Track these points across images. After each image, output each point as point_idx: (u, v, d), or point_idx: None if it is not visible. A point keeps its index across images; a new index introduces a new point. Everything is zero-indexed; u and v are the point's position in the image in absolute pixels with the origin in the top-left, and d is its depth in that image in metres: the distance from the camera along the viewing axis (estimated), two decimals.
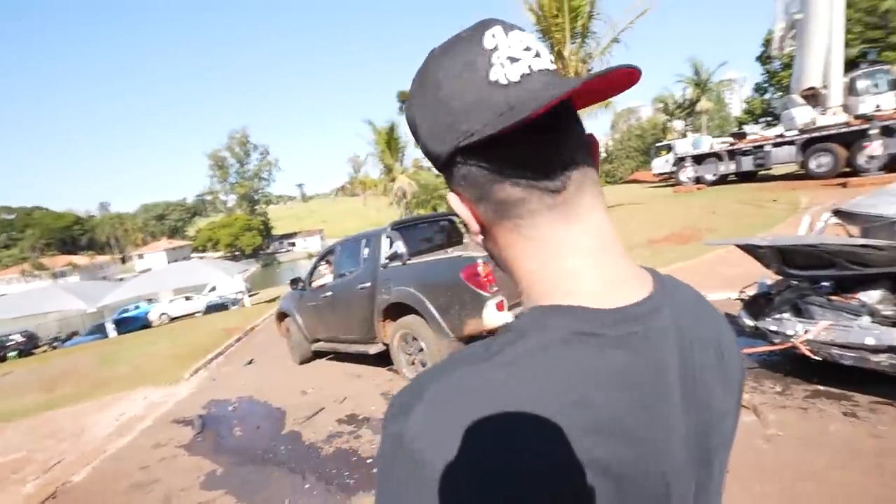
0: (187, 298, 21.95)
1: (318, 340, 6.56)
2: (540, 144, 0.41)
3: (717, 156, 17.76)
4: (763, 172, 17.72)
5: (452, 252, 5.15)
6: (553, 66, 0.44)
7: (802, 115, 16.13)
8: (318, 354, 6.82)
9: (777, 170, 17.51)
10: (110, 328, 16.19)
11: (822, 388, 3.44)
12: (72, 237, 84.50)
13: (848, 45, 21.56)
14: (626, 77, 0.42)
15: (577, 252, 0.43)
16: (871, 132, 13.53)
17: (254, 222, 66.79)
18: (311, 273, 6.64)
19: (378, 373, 5.91)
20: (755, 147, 16.74)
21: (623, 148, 36.82)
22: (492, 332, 4.17)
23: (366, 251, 5.59)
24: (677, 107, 34.04)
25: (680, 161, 19.04)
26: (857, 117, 14.92)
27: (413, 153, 36.97)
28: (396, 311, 5.11)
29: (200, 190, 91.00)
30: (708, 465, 0.47)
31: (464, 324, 4.46)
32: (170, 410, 6.04)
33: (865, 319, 3.19)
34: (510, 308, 4.38)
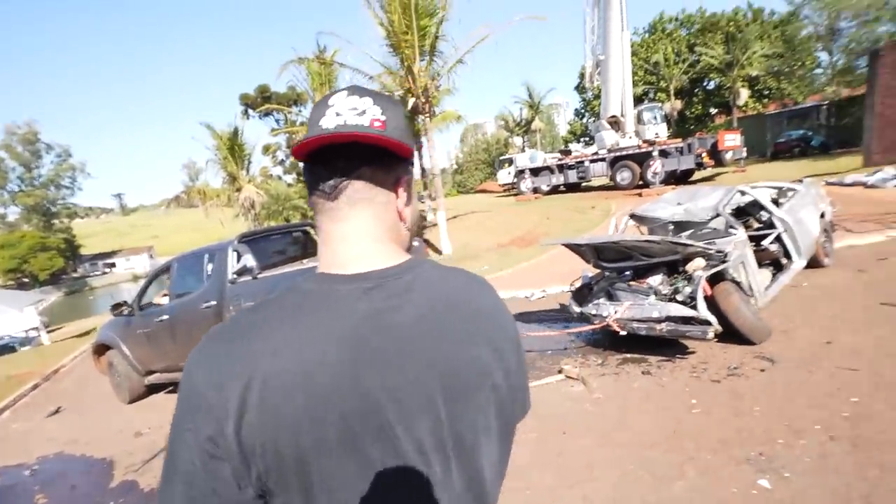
0: None
1: (152, 372, 5.66)
2: (322, 171, 0.61)
3: (549, 169, 20.61)
4: (585, 184, 21.10)
5: (308, 263, 5.01)
6: (367, 124, 0.60)
7: (609, 137, 19.74)
8: (153, 388, 5.89)
9: (595, 182, 21.04)
10: None
11: (628, 355, 4.30)
12: None
13: (635, 84, 27.11)
14: (363, 136, 0.59)
15: (338, 240, 0.63)
16: (653, 154, 17.22)
17: (51, 240, 51.97)
18: (141, 295, 5.81)
19: None
20: (577, 162, 19.91)
21: (472, 160, 40.03)
22: None
23: (210, 267, 5.10)
24: (516, 125, 38.56)
25: (520, 173, 21.57)
26: (644, 142, 18.85)
27: (261, 160, 34.31)
28: None
29: None
30: (456, 399, 0.58)
31: None
32: None
33: (652, 298, 4.11)
34: None
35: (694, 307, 3.71)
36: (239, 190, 16.52)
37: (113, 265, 63.38)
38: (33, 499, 3.98)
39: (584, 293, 4.94)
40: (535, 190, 20.82)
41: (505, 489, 2.21)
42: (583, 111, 39.79)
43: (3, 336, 16.61)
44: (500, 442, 0.65)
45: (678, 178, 18.10)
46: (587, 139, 22.79)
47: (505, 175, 24.88)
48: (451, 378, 0.58)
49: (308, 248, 5.99)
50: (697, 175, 18.84)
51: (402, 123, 0.64)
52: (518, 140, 37.34)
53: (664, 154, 17.11)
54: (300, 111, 28.72)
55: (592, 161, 19.22)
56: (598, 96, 23.65)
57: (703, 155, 16.92)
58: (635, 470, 2.68)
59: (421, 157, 16.49)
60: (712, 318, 3.61)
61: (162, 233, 79.20)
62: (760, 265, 4.97)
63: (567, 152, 23.00)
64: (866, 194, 9.58)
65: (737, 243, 4.17)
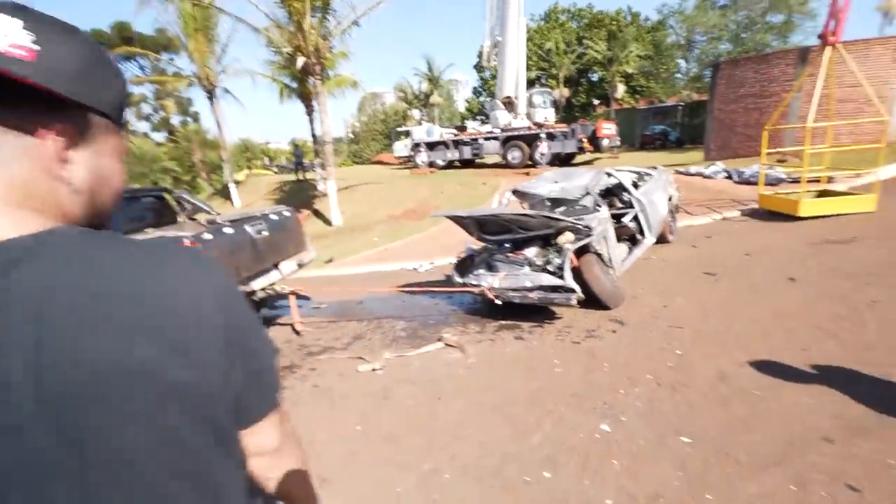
0: None
1: None
2: None
3: (445, 144, 20.79)
4: (479, 161, 21.75)
5: (167, 231, 4.70)
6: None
7: (502, 117, 20.48)
8: None
9: (488, 159, 21.80)
10: None
11: (504, 322, 4.60)
12: None
13: (529, 68, 28.44)
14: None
15: None
16: (541, 136, 18.32)
17: None
18: None
19: None
20: (472, 139, 20.38)
21: (369, 130, 38.79)
22: None
23: None
24: (415, 97, 38.08)
25: (416, 147, 21.45)
26: (534, 124, 19.94)
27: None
28: None
29: None
30: (81, 409, 0.45)
31: None
32: None
33: (526, 269, 4.41)
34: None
35: (562, 277, 4.07)
36: None
37: None
38: None
39: (466, 264, 5.13)
40: (431, 164, 20.93)
41: (376, 457, 2.20)
42: (480, 90, 40.78)
43: None
44: (218, 443, 0.54)
45: (562, 161, 19.57)
46: (483, 117, 23.40)
47: (401, 147, 24.54)
48: (66, 383, 0.44)
49: (164, 215, 5.45)
50: (578, 158, 20.60)
51: (76, 61, 0.51)
52: (416, 113, 37.02)
53: (551, 137, 18.34)
54: (171, 59, 25.04)
55: (486, 139, 19.85)
56: (494, 76, 24.33)
57: (584, 141, 18.50)
58: (499, 426, 2.89)
59: (312, 123, 15.49)
60: (576, 287, 4.01)
61: None
62: (619, 240, 5.64)
63: (463, 129, 23.39)
64: (703, 183, 11.34)
65: (600, 220, 4.65)
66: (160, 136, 31.13)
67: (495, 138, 19.62)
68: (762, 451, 2.34)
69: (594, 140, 18.80)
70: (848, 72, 9.15)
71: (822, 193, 7.69)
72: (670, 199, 6.59)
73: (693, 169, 12.80)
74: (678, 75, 34.38)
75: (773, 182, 9.47)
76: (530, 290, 4.21)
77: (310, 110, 15.52)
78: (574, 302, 4.03)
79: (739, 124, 15.33)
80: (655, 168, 7.07)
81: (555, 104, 29.46)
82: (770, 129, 8.02)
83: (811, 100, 7.38)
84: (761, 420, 2.59)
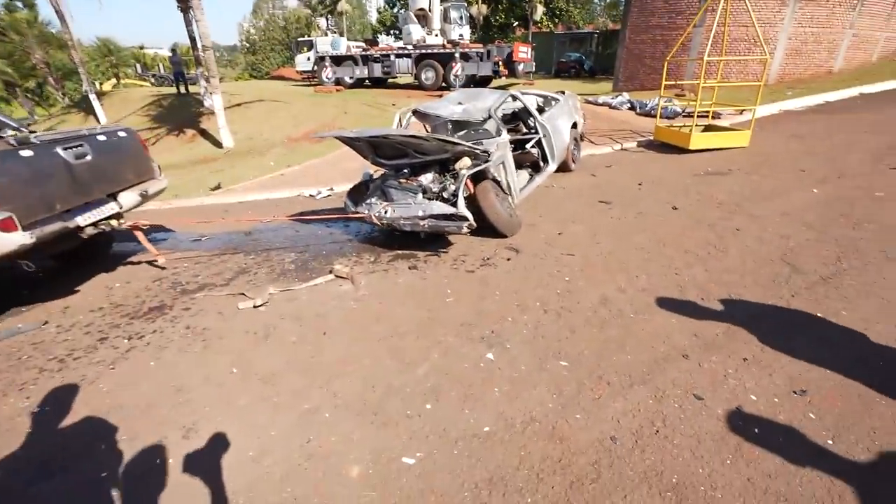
0: None
1: None
2: None
3: (353, 59, 18.94)
4: (391, 80, 20.29)
5: (66, 135, 3.92)
6: None
7: (416, 31, 18.97)
8: None
9: (401, 79, 20.44)
10: None
11: (400, 252, 4.40)
12: None
13: None
14: None
15: None
16: (455, 56, 17.34)
17: None
18: None
19: None
20: (383, 55, 18.74)
21: (267, 39, 34.07)
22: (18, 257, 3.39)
23: None
24: (319, 3, 33.65)
25: (321, 61, 19.31)
26: (448, 42, 18.76)
27: None
28: None
29: None
30: None
31: None
32: None
33: (419, 196, 4.16)
34: (29, 227, 3.29)
35: (455, 204, 3.88)
36: None
37: None
38: None
39: (361, 191, 4.75)
40: (338, 81, 19.10)
41: (252, 400, 1.90)
42: (395, 0, 37.22)
43: None
44: None
45: (477, 83, 18.95)
46: (397, 32, 21.48)
47: (304, 61, 21.92)
48: None
49: None
50: (494, 83, 20.08)
51: None
52: (322, 22, 32.96)
53: (465, 57, 17.46)
54: None
55: (398, 56, 18.40)
56: None
57: (500, 64, 17.90)
58: (385, 359, 2.77)
59: (188, 24, 12.90)
60: (468, 215, 3.86)
61: None
62: (522, 167, 5.57)
63: (373, 42, 21.44)
64: (609, 114, 11.66)
65: (499, 144, 4.51)
66: None
67: (408, 55, 18.25)
68: (631, 371, 2.48)
69: (510, 64, 18.29)
70: (743, 10, 9.53)
71: (708, 128, 8.24)
72: (575, 126, 6.64)
73: (601, 99, 13.07)
74: (596, 0, 34.16)
75: (670, 116, 9.97)
76: (422, 218, 3.99)
77: (184, 6, 12.85)
78: (465, 230, 3.90)
79: (647, 56, 15.73)
80: (563, 93, 6.99)
81: (472, 21, 27.97)
82: (670, 62, 8.22)
83: (710, 35, 7.62)
84: (634, 341, 2.74)
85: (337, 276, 3.91)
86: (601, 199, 5.40)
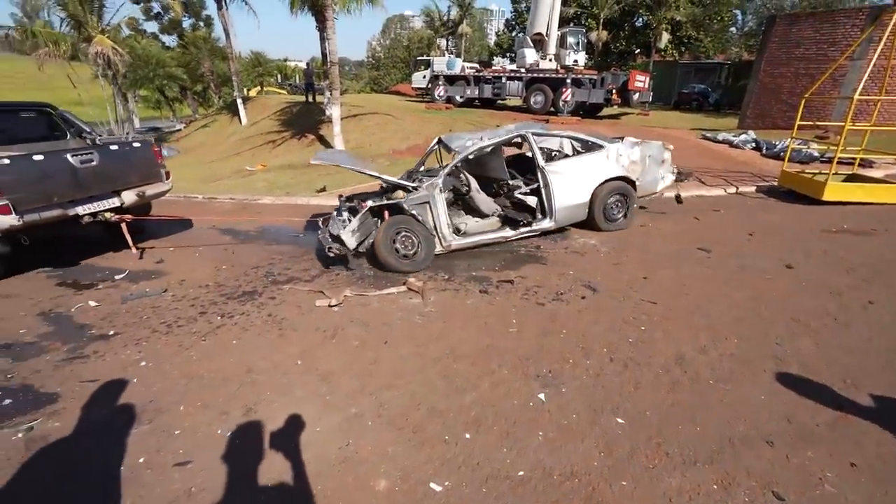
0: None
1: None
2: None
3: (465, 80, 19.58)
4: (500, 102, 20.60)
5: (87, 147, 5.09)
6: None
7: (530, 56, 19.11)
8: None
9: (510, 102, 20.66)
10: None
11: (475, 274, 4.41)
12: None
13: (567, 4, 26.13)
14: None
15: None
16: (567, 81, 17.09)
17: None
18: None
19: (43, 288, 4.66)
20: (495, 77, 19.12)
21: (391, 57, 36.76)
22: (10, 234, 4.47)
23: None
24: (442, 24, 35.53)
25: (435, 79, 20.26)
26: (562, 67, 18.59)
27: (130, 9, 27.42)
28: None
29: None
30: None
31: None
32: None
33: (344, 216, 4.68)
34: (21, 212, 4.34)
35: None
36: (89, 41, 13.21)
37: None
38: None
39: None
40: (449, 100, 19.86)
41: (307, 394, 2.07)
42: (514, 23, 37.90)
43: None
44: None
45: (586, 111, 18.47)
46: (512, 55, 21.81)
47: (420, 78, 23.20)
48: None
49: (54, 129, 5.84)
50: (605, 111, 19.41)
51: None
52: (443, 42, 34.70)
53: (577, 83, 17.12)
54: None
55: (509, 78, 18.60)
56: (529, 9, 22.38)
57: (613, 91, 17.26)
58: (436, 380, 2.78)
59: (323, 41, 14.47)
60: (344, 239, 4.23)
61: None
62: (514, 210, 5.47)
63: (487, 64, 21.98)
64: (727, 153, 10.61)
65: (432, 184, 4.62)
66: (170, 40, 29.76)
67: (519, 78, 18.36)
68: (697, 446, 2.20)
69: (624, 92, 17.54)
70: None
71: (852, 178, 7.09)
72: (624, 181, 5.38)
73: (721, 136, 11.96)
74: (732, 29, 31.40)
75: (804, 160, 8.79)
76: (327, 237, 4.45)
77: (322, 25, 14.45)
78: (334, 253, 4.33)
79: (785, 91, 14.06)
80: (622, 139, 5.62)
81: (590, 46, 27.43)
82: (811, 98, 7.26)
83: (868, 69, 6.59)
84: (707, 412, 2.43)
85: (409, 289, 4.04)
86: (700, 246, 4.90)
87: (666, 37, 29.89)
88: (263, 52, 37.83)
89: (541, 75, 18.01)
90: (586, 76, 17.46)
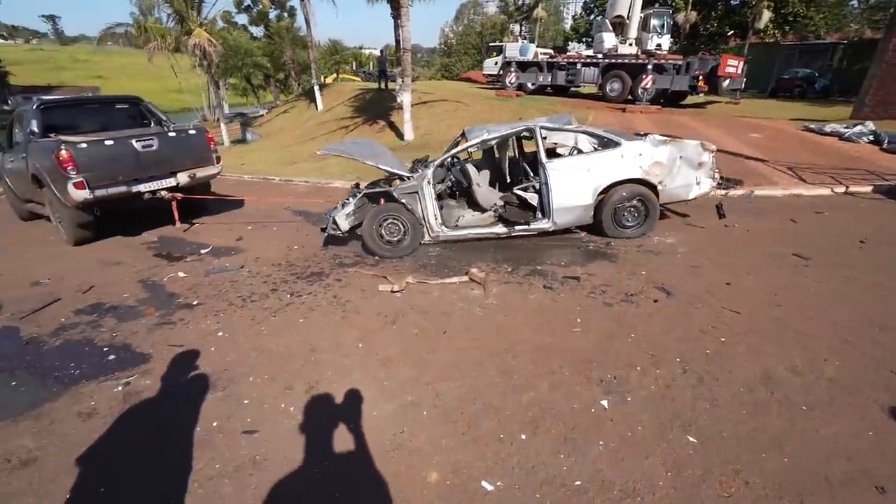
0: None
1: (29, 201, 6.51)
2: None
3: (538, 66, 18.93)
4: (574, 89, 19.75)
5: (150, 132, 5.90)
6: None
7: (608, 40, 18.04)
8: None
9: (585, 88, 19.72)
10: None
11: (539, 267, 4.27)
12: None
13: None
14: None
15: None
16: (648, 67, 15.96)
17: None
18: (9, 135, 6.53)
19: (143, 258, 5.19)
20: (569, 63, 18.30)
21: (463, 43, 36.44)
22: (84, 205, 5.32)
23: (26, 123, 5.85)
24: (516, 9, 34.48)
25: (506, 66, 19.79)
26: (643, 52, 17.36)
27: (225, 2, 29.60)
28: (37, 180, 5.60)
29: None
30: None
31: (66, 195, 5.17)
32: None
33: (349, 200, 4.86)
34: (93, 188, 5.19)
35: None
36: (189, 34, 14.43)
37: None
38: None
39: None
40: (520, 87, 19.31)
41: (366, 377, 2.12)
42: (592, 5, 35.95)
43: None
44: None
45: (668, 99, 17.17)
46: (589, 40, 20.72)
47: (491, 65, 22.75)
48: None
49: (144, 117, 6.78)
50: (690, 100, 17.93)
51: None
52: (516, 28, 33.74)
53: (659, 69, 15.91)
54: None
55: (585, 64, 17.69)
56: None
57: (700, 78, 15.86)
58: (493, 375, 2.73)
59: (397, 28, 14.61)
60: (338, 221, 4.60)
61: (109, 73, 70.43)
62: (501, 209, 5.39)
63: (561, 50, 21.08)
64: (836, 146, 9.34)
65: (421, 176, 4.68)
66: (258, 31, 31.63)
67: (595, 64, 17.42)
68: (784, 479, 1.96)
69: (712, 79, 16.03)
70: None
71: None
72: (643, 182, 4.76)
73: (829, 127, 10.57)
74: (853, 2, 27.41)
75: None
76: (328, 219, 4.73)
77: (396, 13, 14.60)
78: (329, 233, 4.75)
79: None
80: (645, 136, 4.94)
81: (676, 29, 25.37)
82: None
83: None
84: (798, 442, 2.15)
85: (471, 279, 3.99)
86: (797, 253, 4.37)
87: (767, 15, 26.77)
88: (340, 40, 39.27)
89: (619, 61, 16.97)
90: (670, 61, 16.15)
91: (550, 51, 20.93)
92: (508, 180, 6.00)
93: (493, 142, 5.15)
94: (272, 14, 32.10)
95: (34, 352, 3.34)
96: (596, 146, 5.15)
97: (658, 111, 14.98)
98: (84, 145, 5.15)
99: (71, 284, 4.52)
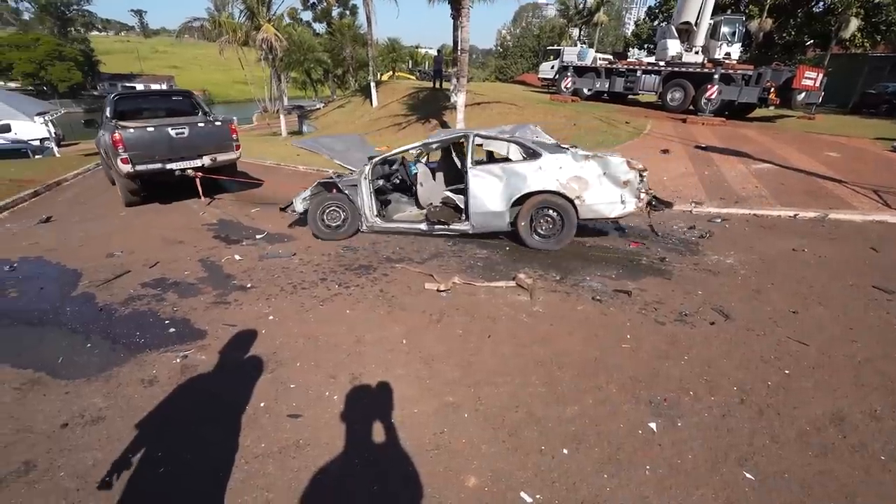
0: None
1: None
2: None
3: (595, 71, 18.45)
4: (632, 96, 19.10)
5: (186, 121, 7.09)
6: None
7: (672, 47, 17.30)
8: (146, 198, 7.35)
9: (643, 97, 19.03)
10: None
11: (588, 278, 4.15)
12: None
13: None
14: None
15: None
16: (714, 76, 15.16)
17: (68, 50, 48.25)
18: (102, 116, 7.65)
19: (203, 239, 5.50)
20: (629, 70, 17.70)
21: (519, 46, 36.07)
22: (129, 177, 6.51)
23: (104, 108, 7.41)
24: (576, 13, 33.73)
25: (563, 70, 19.40)
26: (709, 61, 16.51)
27: (292, 0, 30.99)
28: (107, 153, 6.88)
29: None
30: None
31: (117, 167, 6.37)
32: None
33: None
34: (134, 164, 6.34)
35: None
36: (258, 29, 15.16)
37: (133, 89, 62.50)
38: (4, 291, 4.25)
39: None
40: (575, 92, 18.87)
41: (409, 374, 2.14)
42: (657, 11, 34.59)
43: (18, 140, 16.90)
44: None
45: (733, 112, 16.24)
46: (651, 46, 19.94)
47: (547, 69, 22.40)
48: None
49: (194, 108, 7.99)
50: (757, 112, 16.89)
51: None
52: (575, 32, 32.98)
53: (727, 80, 15.07)
54: None
55: (645, 72, 17.04)
56: None
57: (771, 91, 14.87)
58: (537, 384, 2.67)
59: (456, 29, 14.67)
60: (297, 207, 5.38)
61: (183, 64, 75.48)
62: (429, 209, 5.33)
63: (621, 56, 20.39)
64: None
65: (358, 172, 5.19)
66: (320, 28, 32.76)
67: (657, 72, 16.75)
68: None
69: (785, 91, 14.99)
70: None
71: None
72: (564, 196, 4.68)
73: None
74: None
75: None
76: (290, 202, 5.53)
77: (457, 13, 14.68)
78: (288, 213, 5.64)
79: None
80: (569, 149, 4.88)
81: (748, 38, 23.99)
82: None
83: None
84: (873, 495, 1.96)
85: (518, 285, 3.94)
86: (878, 285, 4.00)
87: (855, 23, 24.67)
88: (398, 38, 40.01)
89: (683, 69, 16.23)
90: (738, 72, 15.25)
91: (610, 56, 20.31)
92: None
93: (435, 146, 5.47)
94: (335, 12, 33.24)
95: (106, 318, 3.60)
96: (523, 156, 5.13)
97: (722, 123, 14.22)
98: (132, 130, 6.32)
99: (139, 258, 4.85)
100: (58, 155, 15.05)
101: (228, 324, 3.43)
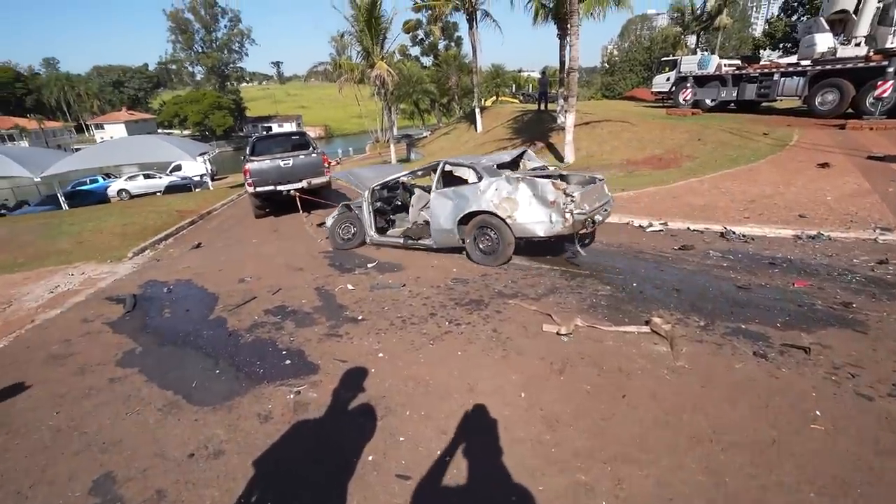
0: (147, 176, 20.09)
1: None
2: None
3: (720, 79, 16.52)
4: (766, 104, 16.73)
5: (291, 154, 9.44)
6: None
7: (823, 42, 14.79)
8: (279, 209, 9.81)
9: (781, 103, 16.56)
10: (62, 200, 15.35)
11: (743, 326, 3.39)
12: (14, 97, 64.63)
13: None
14: None
15: None
16: (889, 69, 12.52)
17: (224, 101, 59.14)
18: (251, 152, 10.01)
19: (320, 266, 5.75)
20: (763, 74, 15.51)
21: (627, 60, 34.03)
22: (254, 196, 9.36)
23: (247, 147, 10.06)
24: (694, 18, 30.76)
25: (681, 81, 17.71)
26: (876, 53, 13.75)
27: (401, 38, 33.36)
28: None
29: (161, 57, 78.50)
30: None
31: (247, 189, 9.40)
32: (105, 287, 5.82)
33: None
34: (255, 186, 9.09)
35: None
36: (372, 66, 16.37)
37: (269, 129, 71.90)
38: (161, 311, 4.82)
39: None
40: (696, 104, 17.01)
41: (530, 437, 1.89)
42: (795, 4, 30.28)
43: (185, 177, 20.32)
44: None
45: None
46: (788, 45, 17.29)
47: (662, 81, 20.58)
48: None
49: (308, 146, 10.00)
50: None
51: None
52: (692, 40, 30.14)
53: None
54: None
55: (784, 74, 14.72)
56: None
57: None
58: (696, 471, 2.11)
59: (562, 49, 14.23)
60: (328, 222, 6.74)
61: (310, 104, 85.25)
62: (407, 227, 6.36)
63: (752, 59, 17.97)
64: None
65: (364, 195, 6.21)
66: (427, 60, 34.62)
67: (800, 73, 14.37)
68: None
69: None
70: None
71: None
72: (498, 216, 5.04)
73: None
74: None
75: None
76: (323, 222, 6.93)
77: (563, 33, 14.27)
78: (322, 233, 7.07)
79: None
80: (504, 173, 5.21)
81: None
82: None
83: None
84: None
85: (653, 331, 3.36)
86: None
87: None
88: (502, 64, 40.63)
89: (837, 66, 13.71)
90: None
91: (737, 61, 18.06)
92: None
93: (420, 173, 6.20)
94: (441, 44, 34.95)
95: (233, 345, 3.81)
96: (476, 180, 5.42)
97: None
98: (255, 163, 8.95)
99: (265, 284, 5.20)
100: (211, 188, 17.62)
101: (339, 359, 3.38)
